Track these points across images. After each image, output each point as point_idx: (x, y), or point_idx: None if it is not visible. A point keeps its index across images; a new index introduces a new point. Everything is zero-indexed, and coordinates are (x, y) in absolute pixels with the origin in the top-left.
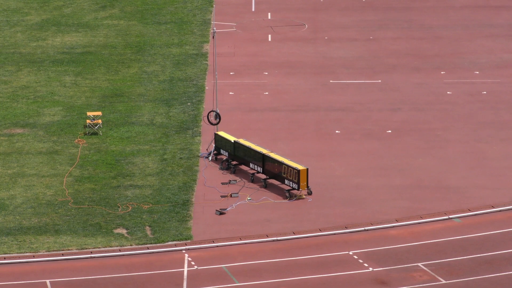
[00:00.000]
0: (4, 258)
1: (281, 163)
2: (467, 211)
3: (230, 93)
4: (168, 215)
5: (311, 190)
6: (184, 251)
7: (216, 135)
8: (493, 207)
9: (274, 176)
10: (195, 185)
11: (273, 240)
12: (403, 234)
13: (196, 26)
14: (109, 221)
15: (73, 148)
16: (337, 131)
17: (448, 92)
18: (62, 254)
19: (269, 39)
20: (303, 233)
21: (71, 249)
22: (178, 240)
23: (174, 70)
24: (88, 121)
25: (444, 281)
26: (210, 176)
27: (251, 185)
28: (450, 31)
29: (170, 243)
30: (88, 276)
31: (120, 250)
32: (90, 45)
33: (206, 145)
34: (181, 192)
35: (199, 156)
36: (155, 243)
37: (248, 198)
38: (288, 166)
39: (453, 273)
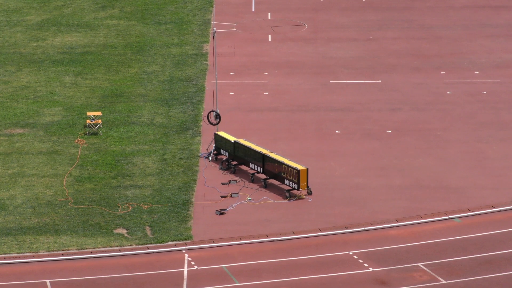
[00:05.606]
0: (4, 258)
1: (281, 163)
2: (467, 211)
3: (230, 93)
4: (168, 215)
5: (311, 190)
6: (184, 251)
7: (216, 135)
8: (493, 207)
9: (274, 176)
10: (195, 185)
11: (273, 240)
12: (403, 234)
13: (196, 26)
14: (109, 221)
15: (73, 148)
16: (337, 131)
17: (448, 92)
18: (62, 254)
19: (269, 39)
20: (303, 233)
21: (71, 249)
22: (178, 240)
23: (174, 70)
24: (88, 121)
25: (444, 281)
26: (210, 176)
27: (251, 185)
28: (450, 31)
29: (170, 243)
30: (88, 276)
31: (120, 250)
32: (90, 45)
33: (206, 145)
34: (181, 192)
35: (199, 156)
36: (155, 243)
37: (248, 198)
38: (288, 166)
39: (453, 273)
